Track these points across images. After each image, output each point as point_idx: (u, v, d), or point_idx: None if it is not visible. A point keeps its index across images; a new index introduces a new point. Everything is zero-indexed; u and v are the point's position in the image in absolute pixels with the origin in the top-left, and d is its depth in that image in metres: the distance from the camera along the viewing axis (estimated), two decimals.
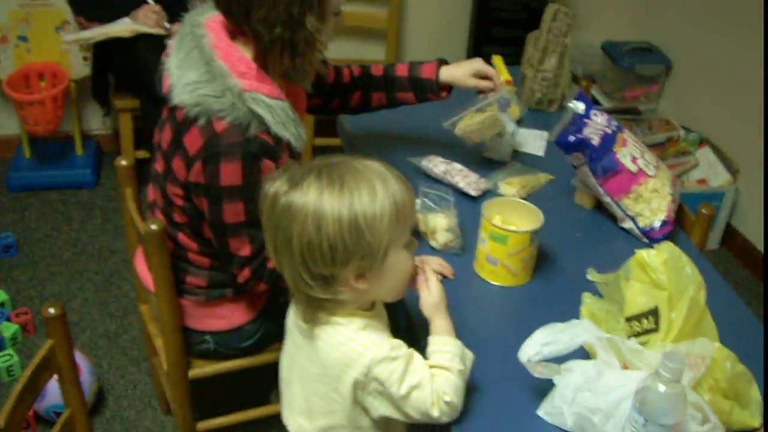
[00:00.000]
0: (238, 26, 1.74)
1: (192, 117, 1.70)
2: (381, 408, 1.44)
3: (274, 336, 2.09)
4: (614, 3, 4.16)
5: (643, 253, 1.54)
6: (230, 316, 2.02)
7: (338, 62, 2.23)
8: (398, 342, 1.43)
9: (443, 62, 2.19)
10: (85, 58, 3.54)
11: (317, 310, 1.42)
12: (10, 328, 2.80)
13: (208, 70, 1.70)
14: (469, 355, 1.52)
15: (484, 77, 2.18)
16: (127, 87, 3.32)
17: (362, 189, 1.34)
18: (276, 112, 1.73)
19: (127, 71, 3.19)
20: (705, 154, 3.65)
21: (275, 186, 1.36)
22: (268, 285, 1.85)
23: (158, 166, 1.89)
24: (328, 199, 1.32)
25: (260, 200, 1.39)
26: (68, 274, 3.19)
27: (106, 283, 3.15)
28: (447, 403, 1.44)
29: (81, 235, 3.43)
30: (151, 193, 1.98)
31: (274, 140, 1.74)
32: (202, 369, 2.08)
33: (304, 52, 1.75)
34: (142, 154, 3.45)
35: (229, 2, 1.71)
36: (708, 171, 3.60)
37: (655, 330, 1.51)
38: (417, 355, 1.45)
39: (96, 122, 3.97)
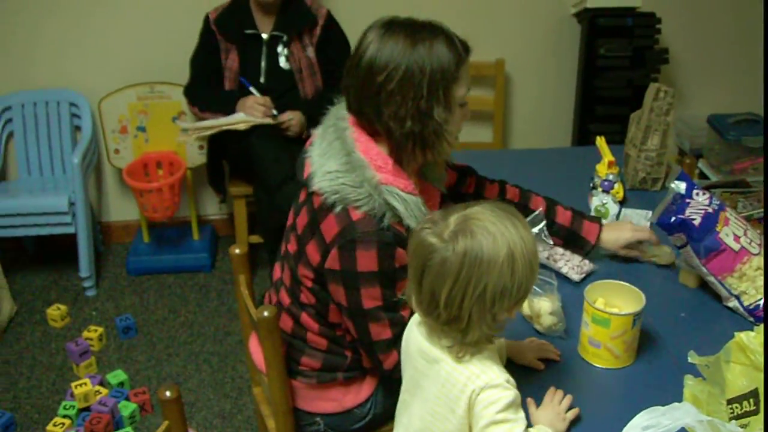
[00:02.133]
0: (371, 125, 1.82)
1: (329, 204, 1.78)
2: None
3: (385, 419, 2.14)
4: (719, 76, 4.14)
5: (742, 336, 1.54)
6: (341, 399, 2.06)
7: None
8: (514, 381, 1.53)
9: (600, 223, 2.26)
10: (200, 147, 3.72)
11: (462, 346, 1.52)
12: (128, 407, 2.93)
13: (348, 161, 1.78)
14: None
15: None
16: (241, 174, 3.47)
17: (523, 226, 1.48)
18: (410, 205, 1.80)
19: (241, 160, 3.35)
20: None
21: (461, 243, 1.43)
22: None
23: (291, 247, 1.97)
24: (512, 241, 1.44)
25: (436, 259, 1.45)
26: (185, 355, 3.31)
27: (221, 364, 3.26)
28: None
29: (197, 317, 3.56)
30: (278, 271, 2.07)
31: (407, 231, 1.80)
32: None
33: (433, 144, 1.81)
34: (255, 238, 3.59)
35: (360, 104, 1.80)
36: None
37: (756, 412, 1.50)
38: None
39: (212, 207, 4.15)
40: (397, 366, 1.84)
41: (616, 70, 3.89)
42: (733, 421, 1.52)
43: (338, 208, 1.77)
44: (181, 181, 3.62)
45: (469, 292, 1.44)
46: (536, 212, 2.19)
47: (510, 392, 1.50)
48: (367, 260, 1.75)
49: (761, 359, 1.49)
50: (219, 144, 3.46)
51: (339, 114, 1.89)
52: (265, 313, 1.86)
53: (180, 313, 3.59)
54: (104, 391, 3.01)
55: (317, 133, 1.90)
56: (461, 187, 2.25)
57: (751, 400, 1.50)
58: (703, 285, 2.14)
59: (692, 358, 1.71)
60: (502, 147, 4.14)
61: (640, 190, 2.69)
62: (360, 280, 1.78)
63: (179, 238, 3.98)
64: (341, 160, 1.79)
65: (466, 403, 1.51)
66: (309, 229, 1.86)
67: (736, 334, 1.56)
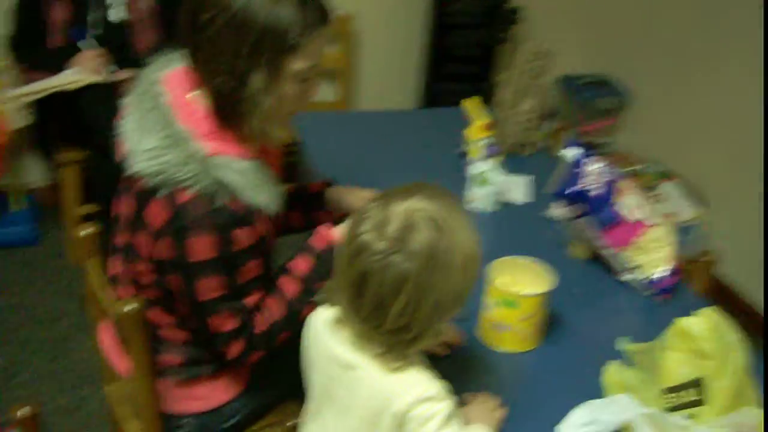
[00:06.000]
0: (192, 66, 1.57)
1: (152, 188, 1.53)
2: None
3: (259, 413, 1.96)
4: (567, 37, 4.11)
5: (683, 322, 1.46)
6: (209, 396, 1.86)
7: None
8: (446, 387, 1.37)
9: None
10: (27, 107, 3.32)
11: (398, 353, 1.35)
12: None
13: (168, 134, 1.53)
14: None
15: None
16: (72, 138, 3.13)
17: (466, 217, 1.35)
18: (246, 176, 1.56)
19: (71, 122, 3.00)
20: (669, 188, 3.59)
21: (414, 248, 1.26)
22: (263, 351, 1.69)
23: (120, 240, 1.73)
24: (464, 241, 1.31)
25: (385, 266, 1.27)
26: (16, 343, 2.97)
27: (56, 352, 2.95)
28: None
29: (24, 299, 3.21)
30: (113, 267, 1.81)
31: (246, 207, 1.57)
32: None
33: (246, 114, 1.55)
34: (88, 208, 3.25)
35: (184, 34, 1.54)
36: (675, 204, 3.54)
37: (700, 402, 1.42)
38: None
39: (32, 174, 3.77)
40: (244, 354, 1.66)
41: (465, 29, 3.80)
42: (672, 411, 1.43)
43: (163, 192, 1.52)
44: (5, 145, 3.22)
45: (423, 302, 1.27)
46: None
47: (446, 402, 1.34)
48: (201, 248, 1.53)
49: (707, 346, 1.40)
50: (47, 104, 3.07)
51: (151, 78, 1.62)
52: (129, 307, 1.61)
53: (3, 294, 3.21)
54: None
55: (129, 102, 1.62)
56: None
57: (693, 390, 1.43)
58: (595, 256, 2.06)
59: (622, 345, 1.61)
60: (347, 107, 3.96)
61: (513, 154, 2.57)
62: (195, 270, 1.56)
63: None
64: (161, 134, 1.53)
65: (391, 420, 1.34)
66: (135, 219, 1.62)
67: (675, 319, 1.48)
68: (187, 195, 1.51)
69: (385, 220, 1.28)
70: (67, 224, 3.32)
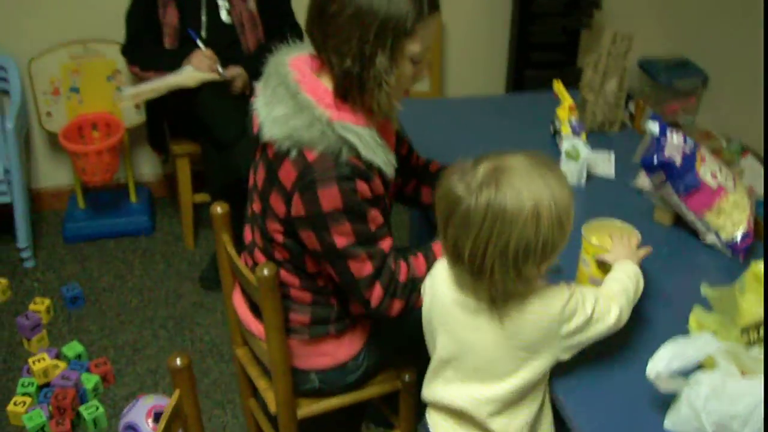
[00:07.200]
0: (318, 53, 1.78)
1: (284, 151, 1.74)
2: (577, 338, 1.58)
3: (378, 369, 2.16)
4: (646, 21, 4.20)
5: (758, 266, 1.60)
6: (334, 353, 2.06)
7: None
8: (563, 283, 1.57)
9: None
10: (137, 106, 3.59)
11: (509, 296, 1.52)
12: (91, 380, 2.83)
13: (295, 103, 1.74)
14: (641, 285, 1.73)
15: None
16: (184, 132, 3.37)
17: (556, 180, 1.45)
18: (364, 138, 1.76)
19: (187, 118, 3.23)
20: (749, 162, 3.67)
21: (484, 195, 1.41)
22: (403, 303, 1.85)
23: (255, 207, 1.94)
24: (539, 197, 1.41)
25: (460, 210, 1.44)
26: (139, 322, 3.22)
27: (178, 328, 3.19)
28: (615, 305, 1.63)
29: (145, 281, 3.47)
30: (249, 234, 2.03)
31: (365, 165, 1.77)
32: (309, 408, 2.11)
33: (372, 91, 1.74)
34: (200, 197, 3.50)
35: (312, 25, 1.76)
36: (754, 178, 3.63)
37: None
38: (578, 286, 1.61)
39: (146, 168, 4.03)
40: (385, 300, 1.84)
41: (549, 17, 3.91)
42: (752, 346, 1.59)
43: (293, 153, 1.74)
44: (121, 141, 3.50)
45: (491, 246, 1.43)
46: None
47: (576, 289, 1.56)
48: (330, 198, 1.73)
49: None
50: (159, 102, 3.31)
51: (278, 61, 1.84)
52: (265, 272, 1.83)
53: (126, 278, 3.48)
54: (62, 364, 2.90)
55: (260, 85, 1.86)
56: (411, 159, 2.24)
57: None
58: (678, 222, 2.20)
59: (705, 290, 1.76)
60: (440, 96, 4.13)
61: (598, 132, 2.73)
62: (327, 220, 1.75)
63: (116, 201, 3.84)
64: (288, 103, 1.75)
65: (545, 336, 1.55)
66: (268, 182, 1.84)
67: (752, 263, 1.62)
68: (314, 153, 1.72)
69: (472, 171, 1.46)
70: (183, 212, 3.56)
